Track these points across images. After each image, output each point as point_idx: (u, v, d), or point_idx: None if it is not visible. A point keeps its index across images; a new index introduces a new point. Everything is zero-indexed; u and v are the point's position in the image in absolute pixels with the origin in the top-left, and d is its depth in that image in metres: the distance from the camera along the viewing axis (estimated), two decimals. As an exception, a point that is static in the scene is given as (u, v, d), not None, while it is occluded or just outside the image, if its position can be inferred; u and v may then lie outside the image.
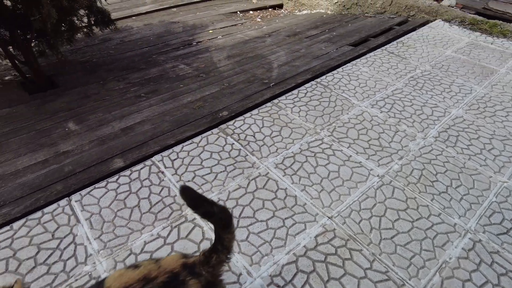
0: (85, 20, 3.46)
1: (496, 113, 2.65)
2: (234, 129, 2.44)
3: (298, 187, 2.02)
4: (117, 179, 2.07)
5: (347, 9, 5.08)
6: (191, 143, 2.32)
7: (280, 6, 5.94)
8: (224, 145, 2.30)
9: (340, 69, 3.15)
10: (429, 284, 1.56)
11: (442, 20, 4.19)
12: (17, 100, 3.04)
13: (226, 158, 2.20)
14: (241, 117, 2.55)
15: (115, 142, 2.43)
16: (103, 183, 2.04)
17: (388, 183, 2.04)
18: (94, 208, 1.89)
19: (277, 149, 2.28)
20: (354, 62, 3.27)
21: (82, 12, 3.37)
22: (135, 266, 1.01)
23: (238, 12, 5.46)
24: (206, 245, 1.70)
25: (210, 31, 4.69)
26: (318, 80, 3.00)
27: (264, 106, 2.69)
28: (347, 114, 2.61)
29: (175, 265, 1.00)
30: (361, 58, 3.33)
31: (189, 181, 2.05)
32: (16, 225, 1.79)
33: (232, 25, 4.94)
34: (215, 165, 2.16)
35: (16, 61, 3.25)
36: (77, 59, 3.93)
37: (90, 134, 2.54)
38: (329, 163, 2.18)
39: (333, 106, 2.68)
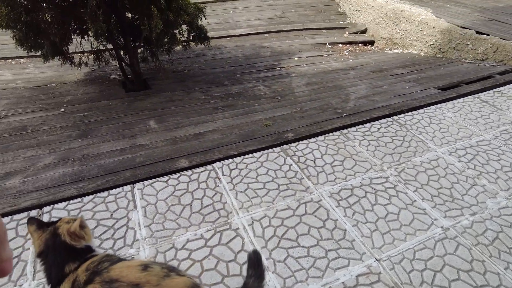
0: (185, 34, 3.85)
1: None
2: (295, 151, 2.44)
3: (350, 222, 1.92)
4: (178, 177, 2.21)
5: (443, 52, 4.80)
6: (251, 157, 2.38)
7: (371, 43, 5.87)
8: (282, 165, 2.31)
9: (421, 110, 2.96)
10: None
11: (557, 75, 3.69)
12: (114, 95, 3.47)
13: (281, 177, 2.21)
14: (305, 141, 2.54)
15: (185, 144, 2.61)
16: (165, 178, 2.19)
17: (453, 238, 1.82)
18: (152, 198, 2.03)
19: (335, 179, 2.21)
20: (439, 105, 3.05)
21: (184, 27, 3.78)
22: (146, 267, 0.98)
23: (327, 44, 5.54)
24: (243, 256, 1.70)
25: (296, 59, 4.83)
26: (395, 117, 2.86)
27: (331, 134, 2.64)
28: (420, 157, 2.42)
29: None
30: (447, 102, 3.09)
31: (241, 191, 2.09)
32: (86, 199, 2.02)
33: (318, 55, 5.02)
34: (269, 181, 2.17)
35: (123, 63, 3.74)
36: (172, 68, 4.36)
37: (166, 133, 2.78)
38: (389, 204, 2.04)
39: (406, 146, 2.52)
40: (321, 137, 2.60)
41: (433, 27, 4.90)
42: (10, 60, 4.54)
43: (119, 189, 2.10)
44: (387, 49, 5.55)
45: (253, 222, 1.89)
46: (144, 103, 3.34)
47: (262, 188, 2.12)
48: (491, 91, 3.32)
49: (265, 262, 1.67)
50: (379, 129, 2.72)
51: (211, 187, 2.12)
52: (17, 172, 2.29)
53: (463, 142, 2.58)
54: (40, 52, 3.33)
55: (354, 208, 2.00)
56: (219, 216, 1.93)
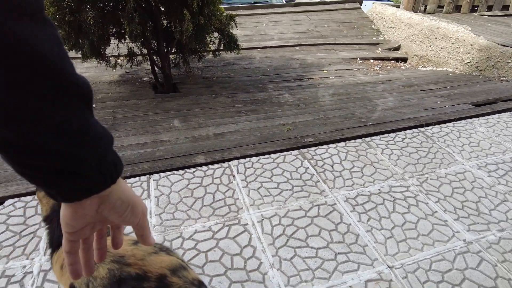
0: (216, 42, 3.97)
1: None
2: (314, 155, 2.40)
3: (364, 227, 1.83)
4: (194, 172, 2.23)
5: (480, 70, 4.60)
6: (268, 158, 2.36)
7: (404, 60, 5.74)
8: (299, 167, 2.27)
9: (451, 124, 2.83)
10: None
11: None
12: (144, 96, 3.61)
13: (296, 179, 2.17)
14: (325, 146, 2.49)
15: (205, 142, 2.65)
16: (181, 172, 2.22)
17: (476, 252, 1.69)
18: (166, 189, 2.06)
19: (353, 184, 2.14)
20: (470, 120, 2.90)
21: (215, 35, 3.90)
22: (137, 242, 0.91)
23: (358, 58, 5.49)
24: (248, 251, 1.67)
25: (325, 71, 4.81)
26: (422, 129, 2.75)
27: (353, 141, 2.58)
28: (446, 169, 2.30)
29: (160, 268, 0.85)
30: (480, 118, 2.94)
31: (254, 189, 2.07)
32: (104, 185, 2.08)
33: (348, 69, 4.98)
34: (284, 182, 2.14)
35: (155, 67, 3.90)
36: (201, 74, 4.48)
37: (188, 132, 2.83)
38: (407, 213, 1.94)
39: (431, 158, 2.41)
40: (341, 143, 2.54)
41: (471, 45, 4.73)
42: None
43: (136, 178, 2.15)
44: (420, 67, 5.41)
45: (262, 219, 1.86)
46: (171, 104, 3.44)
47: (275, 188, 2.09)
48: (530, 109, 3.12)
49: (271, 259, 1.63)
50: (403, 139, 2.62)
51: (225, 183, 2.12)
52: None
53: (495, 157, 2.42)
54: (80, 52, 3.55)
55: (370, 214, 1.92)
56: (229, 211, 1.92)
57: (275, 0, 7.92)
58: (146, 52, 3.84)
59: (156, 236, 1.74)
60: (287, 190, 2.08)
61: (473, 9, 6.67)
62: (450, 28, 5.12)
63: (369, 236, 1.78)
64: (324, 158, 2.37)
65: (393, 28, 6.11)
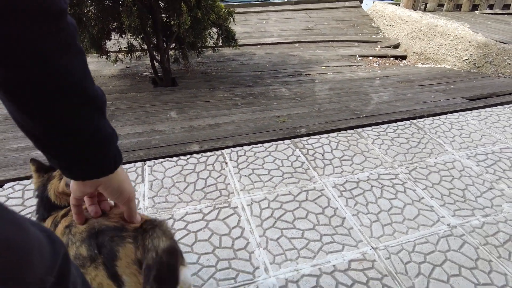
0: (215, 37, 4.03)
1: None
2: (305, 144, 2.45)
3: (351, 211, 1.88)
4: (188, 159, 2.28)
5: (478, 67, 4.62)
6: (261, 146, 2.41)
7: (403, 57, 5.77)
8: (290, 156, 2.32)
9: (443, 116, 2.87)
10: None
11: None
12: (143, 89, 3.67)
13: (287, 166, 2.21)
14: (317, 136, 2.54)
15: (200, 132, 2.70)
16: (175, 158, 2.28)
17: (459, 236, 1.73)
18: (159, 175, 2.12)
19: (342, 171, 2.19)
20: (463, 113, 2.93)
21: (214, 30, 3.96)
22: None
23: (357, 55, 5.53)
24: (237, 232, 1.72)
25: (323, 67, 4.86)
26: (414, 121, 2.79)
27: (345, 132, 2.62)
28: (435, 158, 2.33)
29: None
30: (473, 111, 2.97)
31: (245, 175, 2.12)
32: (99, 170, 2.14)
33: (346, 66, 5.02)
34: (274, 169, 2.19)
35: (155, 61, 3.97)
36: (200, 70, 4.54)
37: (184, 122, 2.89)
38: (395, 199, 1.98)
39: (421, 148, 2.44)
40: (333, 134, 2.59)
41: (469, 42, 4.75)
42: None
43: (131, 164, 2.21)
44: (419, 64, 5.44)
45: (252, 203, 1.91)
46: (169, 96, 3.50)
47: (266, 174, 2.14)
48: (524, 103, 3.15)
49: (258, 239, 1.68)
50: (395, 130, 2.66)
51: (217, 170, 2.18)
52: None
53: (485, 148, 2.46)
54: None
55: (357, 199, 1.96)
56: (220, 195, 1.97)
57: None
58: (146, 47, 3.92)
59: (148, 217, 1.80)
60: (277, 176, 2.13)
61: (474, 8, 6.68)
62: (449, 25, 5.14)
63: (355, 219, 1.83)
64: (316, 147, 2.42)
65: (393, 26, 6.15)
